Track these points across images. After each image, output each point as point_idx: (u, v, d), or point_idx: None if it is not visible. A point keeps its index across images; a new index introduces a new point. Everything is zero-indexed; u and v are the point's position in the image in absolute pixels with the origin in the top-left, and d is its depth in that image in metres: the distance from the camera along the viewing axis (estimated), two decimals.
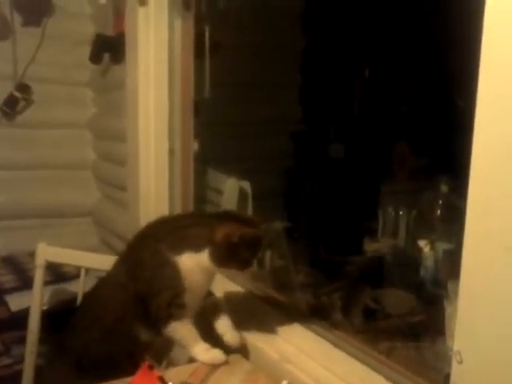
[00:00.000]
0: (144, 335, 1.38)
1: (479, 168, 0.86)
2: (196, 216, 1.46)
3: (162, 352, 1.46)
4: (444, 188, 1.94)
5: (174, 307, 1.33)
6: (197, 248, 1.33)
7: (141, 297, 1.35)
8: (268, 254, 2.14)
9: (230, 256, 1.30)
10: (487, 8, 0.83)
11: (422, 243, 1.87)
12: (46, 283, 2.01)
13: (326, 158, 2.98)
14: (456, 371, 0.92)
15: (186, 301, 1.35)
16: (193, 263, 1.33)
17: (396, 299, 1.77)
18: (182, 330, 1.36)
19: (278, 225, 2.36)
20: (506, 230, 0.82)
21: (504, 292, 0.83)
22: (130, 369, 1.25)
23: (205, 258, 1.32)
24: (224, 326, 1.43)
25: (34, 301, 1.79)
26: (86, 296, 1.51)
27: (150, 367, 1.22)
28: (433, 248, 1.80)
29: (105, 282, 1.48)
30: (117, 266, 1.46)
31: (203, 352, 1.37)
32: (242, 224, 1.34)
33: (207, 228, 1.33)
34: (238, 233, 1.29)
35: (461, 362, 0.90)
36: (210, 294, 1.47)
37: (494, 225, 0.84)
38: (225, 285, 1.67)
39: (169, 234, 1.38)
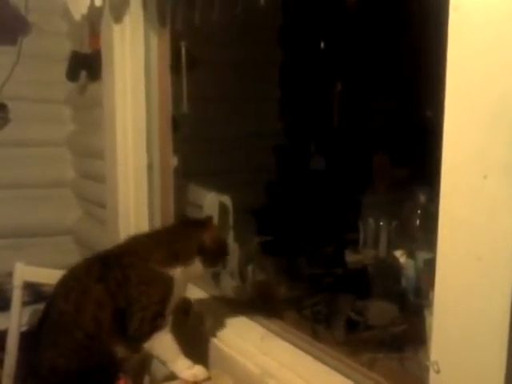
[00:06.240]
0: (120, 352, 1.36)
1: (449, 179, 0.86)
2: (165, 231, 1.57)
3: (141, 368, 1.45)
4: (422, 198, 1.96)
5: (158, 319, 1.36)
6: (187, 261, 1.42)
7: (120, 313, 1.34)
8: (250, 268, 2.15)
9: (218, 256, 1.49)
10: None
11: (398, 253, 1.88)
12: (26, 303, 1.97)
13: (308, 171, 2.98)
14: (434, 381, 0.92)
15: (168, 311, 1.39)
16: (184, 275, 1.42)
17: (378, 310, 1.77)
18: (164, 342, 1.37)
19: (260, 239, 2.36)
20: (477, 239, 0.82)
21: (477, 301, 0.83)
22: None
23: (198, 268, 1.44)
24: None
25: (12, 322, 1.76)
26: (49, 310, 1.46)
27: None
28: (411, 258, 1.81)
29: (70, 296, 1.39)
30: (89, 280, 1.39)
31: (186, 369, 1.37)
32: (204, 225, 1.51)
33: (188, 240, 1.44)
34: (219, 234, 1.52)
35: (438, 372, 0.90)
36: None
37: (466, 235, 0.84)
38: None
39: (154, 250, 1.41)
